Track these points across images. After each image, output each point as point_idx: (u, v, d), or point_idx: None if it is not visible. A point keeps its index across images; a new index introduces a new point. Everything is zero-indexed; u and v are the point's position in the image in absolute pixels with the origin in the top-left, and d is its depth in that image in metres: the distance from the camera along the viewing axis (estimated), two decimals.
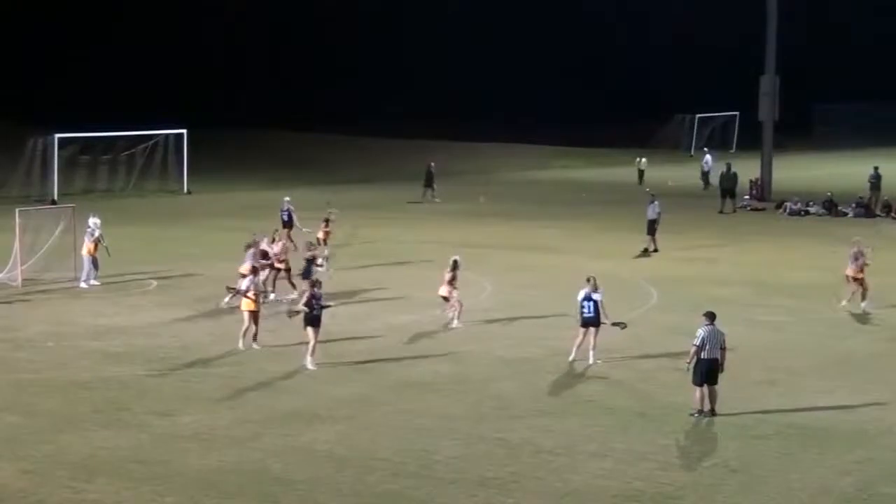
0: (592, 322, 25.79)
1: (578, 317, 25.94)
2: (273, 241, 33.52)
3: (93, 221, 35.13)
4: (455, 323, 29.50)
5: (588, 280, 25.95)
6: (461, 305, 29.58)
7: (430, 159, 61.30)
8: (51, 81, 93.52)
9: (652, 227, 41.69)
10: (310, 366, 25.35)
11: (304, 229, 38.86)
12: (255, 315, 27.09)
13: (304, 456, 20.10)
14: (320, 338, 25.63)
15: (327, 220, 37.11)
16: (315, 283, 26.14)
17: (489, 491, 18.60)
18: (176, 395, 23.57)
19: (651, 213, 41.96)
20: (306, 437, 21.07)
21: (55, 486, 18.63)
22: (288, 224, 40.79)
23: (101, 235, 34.85)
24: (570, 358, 26.10)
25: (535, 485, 18.89)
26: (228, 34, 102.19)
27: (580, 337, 25.94)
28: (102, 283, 34.57)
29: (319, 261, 32.80)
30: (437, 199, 57.13)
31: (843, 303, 32.18)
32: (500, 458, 20.03)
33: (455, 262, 29.58)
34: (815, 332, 29.77)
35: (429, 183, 58.16)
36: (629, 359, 26.60)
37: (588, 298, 25.72)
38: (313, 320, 25.46)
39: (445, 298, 29.66)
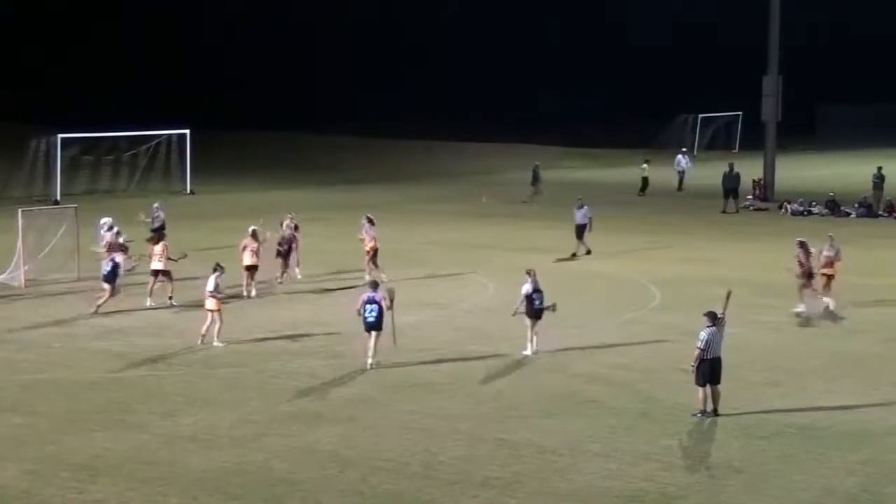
0: (539, 314, 26.72)
1: (525, 309, 26.70)
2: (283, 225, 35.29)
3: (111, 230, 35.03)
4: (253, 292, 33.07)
5: (529, 273, 26.97)
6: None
7: (536, 160, 61.62)
8: (53, 81, 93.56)
9: (580, 232, 41.12)
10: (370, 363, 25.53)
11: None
12: (219, 313, 27.30)
13: (307, 456, 20.11)
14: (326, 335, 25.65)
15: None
16: (373, 285, 26.09)
17: (492, 491, 18.61)
18: (179, 395, 23.58)
19: (580, 217, 41.50)
20: (309, 437, 21.09)
21: (58, 486, 18.65)
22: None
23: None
24: (532, 352, 26.68)
25: (539, 485, 18.90)
26: (231, 34, 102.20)
27: (531, 329, 26.76)
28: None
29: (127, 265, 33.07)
30: (537, 199, 56.99)
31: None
32: (503, 458, 20.04)
33: (254, 231, 33.25)
34: (817, 333, 29.78)
35: (535, 182, 58.09)
36: (632, 359, 26.60)
37: (538, 290, 26.65)
38: (367, 325, 25.52)
39: (254, 267, 32.98)
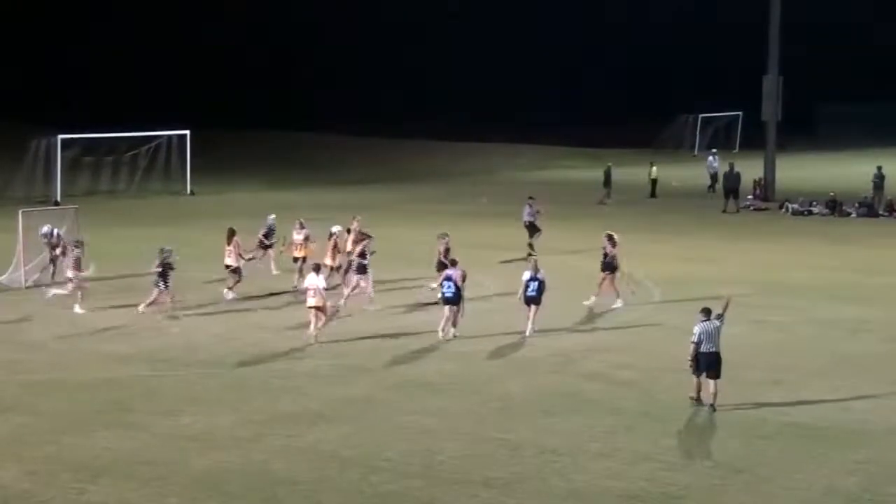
0: (536, 300, 28.36)
1: (522, 296, 28.43)
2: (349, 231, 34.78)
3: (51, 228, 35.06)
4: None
5: (527, 259, 29.22)
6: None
7: (608, 161, 61.47)
8: (54, 82, 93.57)
9: (532, 230, 40.87)
10: (440, 334, 27.86)
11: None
12: (323, 311, 27.70)
13: (308, 456, 20.11)
14: (329, 337, 25.67)
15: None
16: (452, 263, 28.65)
17: (493, 491, 18.61)
18: (179, 395, 23.59)
19: (527, 215, 41.28)
20: (310, 437, 21.08)
21: (59, 487, 18.64)
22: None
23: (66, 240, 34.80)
24: (527, 334, 28.11)
25: (539, 485, 18.90)
26: (230, 35, 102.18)
27: (531, 313, 28.30)
28: (106, 284, 34.54)
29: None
30: (608, 201, 56.75)
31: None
32: (504, 458, 20.04)
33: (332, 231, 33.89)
34: (818, 332, 29.77)
35: (607, 183, 57.88)
36: (632, 359, 26.59)
37: (533, 279, 28.34)
38: (444, 300, 28.06)
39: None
